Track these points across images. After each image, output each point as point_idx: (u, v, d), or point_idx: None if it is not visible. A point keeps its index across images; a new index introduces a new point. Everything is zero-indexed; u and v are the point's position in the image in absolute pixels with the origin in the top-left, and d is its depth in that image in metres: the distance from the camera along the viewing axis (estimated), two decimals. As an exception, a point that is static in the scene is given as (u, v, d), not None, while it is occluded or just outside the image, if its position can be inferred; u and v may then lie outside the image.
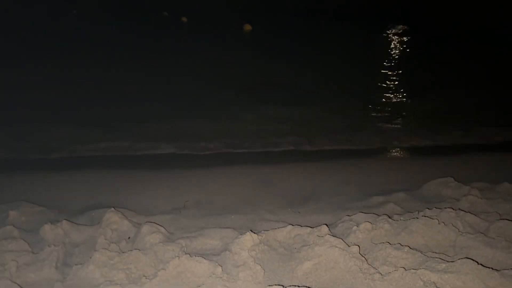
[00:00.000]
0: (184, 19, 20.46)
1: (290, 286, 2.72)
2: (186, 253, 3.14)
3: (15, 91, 9.81)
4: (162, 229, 3.56)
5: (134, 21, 18.99)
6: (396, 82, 11.78)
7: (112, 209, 3.79)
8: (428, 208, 3.65)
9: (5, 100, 8.98)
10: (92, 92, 10.12)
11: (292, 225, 3.57)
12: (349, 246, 3.06)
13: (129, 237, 3.54)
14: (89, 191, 5.14)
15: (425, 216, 3.44)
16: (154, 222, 3.65)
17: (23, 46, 14.96)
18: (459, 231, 3.25)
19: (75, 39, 15.38)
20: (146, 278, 2.92)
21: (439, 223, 3.31)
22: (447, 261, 2.79)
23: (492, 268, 2.69)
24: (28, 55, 13.75)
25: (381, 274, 2.77)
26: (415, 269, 2.71)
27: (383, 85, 11.49)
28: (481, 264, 2.71)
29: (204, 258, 3.03)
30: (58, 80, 10.86)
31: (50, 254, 3.24)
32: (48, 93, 9.81)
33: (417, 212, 3.67)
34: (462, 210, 3.64)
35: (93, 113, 8.73)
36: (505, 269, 2.73)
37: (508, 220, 3.42)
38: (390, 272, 2.75)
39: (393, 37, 17.85)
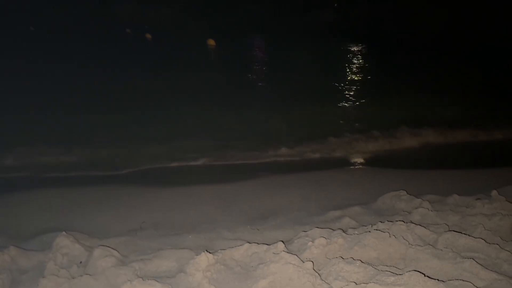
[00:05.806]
0: (149, 36, 20.43)
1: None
2: (139, 277, 3.08)
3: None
4: (115, 253, 3.47)
5: (94, 38, 18.70)
6: (356, 95, 12.03)
7: (63, 232, 3.67)
8: (381, 222, 3.73)
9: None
10: (48, 112, 9.82)
11: (250, 243, 3.56)
12: (303, 262, 3.09)
13: (80, 262, 3.43)
14: (42, 214, 4.97)
15: (377, 230, 3.52)
16: (107, 246, 3.56)
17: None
18: (409, 244, 3.34)
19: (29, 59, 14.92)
20: (96, 304, 2.84)
21: (390, 236, 3.39)
22: (396, 274, 2.86)
23: (438, 280, 2.78)
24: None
25: (334, 290, 2.80)
26: (365, 283, 2.76)
27: (344, 96, 11.72)
28: (427, 276, 2.79)
29: (158, 281, 2.97)
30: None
31: (-6, 283, 3.10)
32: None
33: (370, 225, 3.76)
34: (413, 223, 3.75)
35: (43, 133, 8.49)
36: (450, 280, 2.83)
37: (455, 231, 3.55)
38: (342, 287, 2.80)
39: (357, 52, 18.43)
